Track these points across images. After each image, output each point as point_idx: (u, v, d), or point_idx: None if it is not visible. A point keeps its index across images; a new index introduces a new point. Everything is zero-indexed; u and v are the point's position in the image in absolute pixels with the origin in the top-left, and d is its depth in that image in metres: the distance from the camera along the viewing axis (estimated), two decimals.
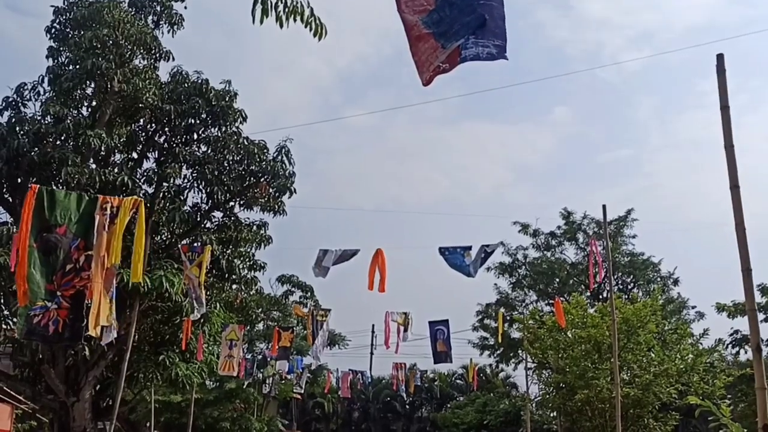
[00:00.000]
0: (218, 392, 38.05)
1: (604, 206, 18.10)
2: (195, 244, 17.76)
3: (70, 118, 18.30)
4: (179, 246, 18.27)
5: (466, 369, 54.89)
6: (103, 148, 19.55)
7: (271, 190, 19.99)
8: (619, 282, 37.69)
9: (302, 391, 35.78)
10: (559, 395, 23.41)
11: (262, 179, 20.03)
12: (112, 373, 19.58)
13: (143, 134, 20.34)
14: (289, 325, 23.44)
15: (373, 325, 58.15)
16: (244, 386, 31.21)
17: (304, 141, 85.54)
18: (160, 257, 19.03)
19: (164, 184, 18.94)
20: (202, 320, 19.70)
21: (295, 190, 20.29)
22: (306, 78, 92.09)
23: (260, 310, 26.98)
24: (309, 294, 31.45)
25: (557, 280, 37.08)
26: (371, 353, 57.06)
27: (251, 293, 25.26)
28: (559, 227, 39.57)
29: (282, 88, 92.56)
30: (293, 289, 31.49)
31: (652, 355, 22.53)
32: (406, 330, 19.54)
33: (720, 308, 29.91)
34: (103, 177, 17.93)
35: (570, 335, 23.15)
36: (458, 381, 56.69)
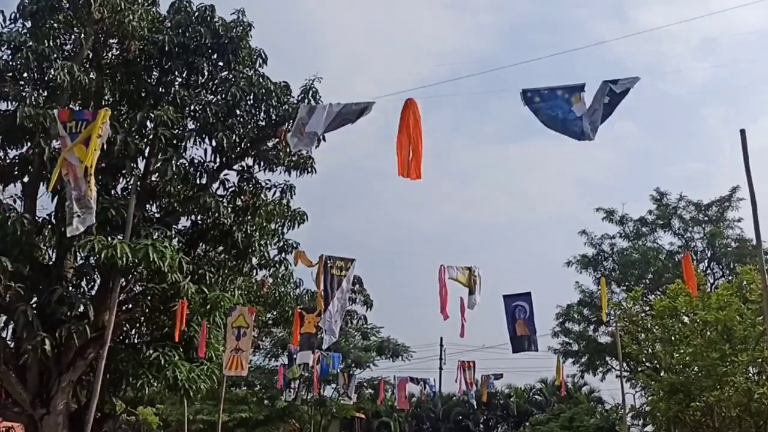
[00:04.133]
0: (269, 411, 34.09)
1: (742, 131, 12.87)
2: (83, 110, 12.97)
3: (30, 45, 14.23)
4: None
5: (545, 383, 50.00)
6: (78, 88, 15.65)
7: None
8: (726, 271, 32.12)
9: (351, 402, 31.06)
10: (674, 401, 18.15)
11: (284, 126, 15.65)
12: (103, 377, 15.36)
13: (132, 77, 16.13)
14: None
15: (441, 338, 53.67)
16: (281, 396, 26.66)
17: (360, 164, 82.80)
18: (155, 227, 14.77)
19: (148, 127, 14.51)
20: (208, 306, 15.32)
21: (324, 137, 15.84)
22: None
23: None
24: (358, 287, 26.89)
25: (652, 270, 31.57)
26: (440, 368, 52.43)
27: (285, 283, 20.80)
28: (650, 212, 34.15)
29: None
30: None
31: None
32: (472, 293, 14.62)
33: None
34: None
35: (688, 321, 17.97)
36: (536, 396, 51.49)
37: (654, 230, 33.77)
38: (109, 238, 13.29)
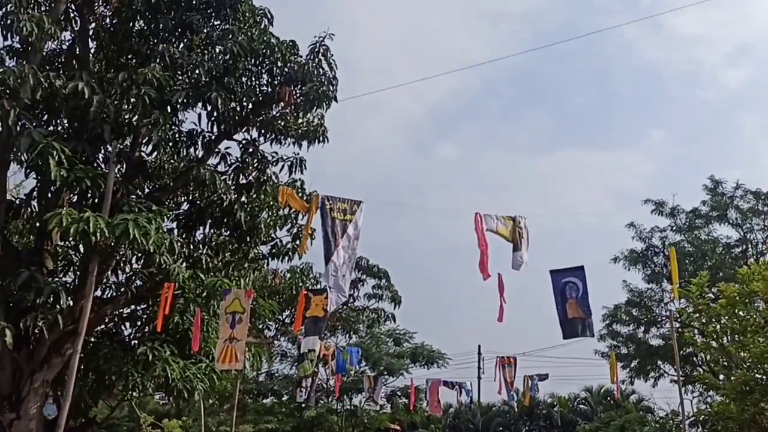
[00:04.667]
0: (296, 422, 32.00)
1: None
2: None
3: None
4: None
5: (590, 391, 47.20)
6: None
7: (299, 99, 13.50)
8: None
9: (377, 408, 28.73)
10: (749, 401, 15.65)
11: (290, 87, 13.57)
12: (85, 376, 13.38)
13: (118, 36, 14.21)
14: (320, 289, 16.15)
15: (479, 346, 51.34)
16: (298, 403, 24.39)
17: (395, 178, 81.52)
18: (142, 202, 12.73)
19: (133, 89, 12.43)
20: (204, 293, 13.25)
21: (336, 98, 13.78)
22: (396, 115, 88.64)
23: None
24: (384, 282, 24.67)
25: (708, 264, 28.78)
26: (479, 377, 50.09)
27: (304, 277, 18.73)
28: (704, 202, 31.38)
29: (372, 126, 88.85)
30: (363, 276, 24.80)
31: None
32: (517, 249, 11.53)
33: None
34: (41, 79, 11.87)
35: (762, 308, 15.48)
36: (581, 405, 48.69)
37: (709, 222, 31.03)
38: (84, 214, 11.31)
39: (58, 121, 13.09)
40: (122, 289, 13.41)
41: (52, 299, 11.88)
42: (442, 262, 76.91)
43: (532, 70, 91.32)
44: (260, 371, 34.38)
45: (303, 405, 28.07)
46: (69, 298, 12.14)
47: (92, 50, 14.36)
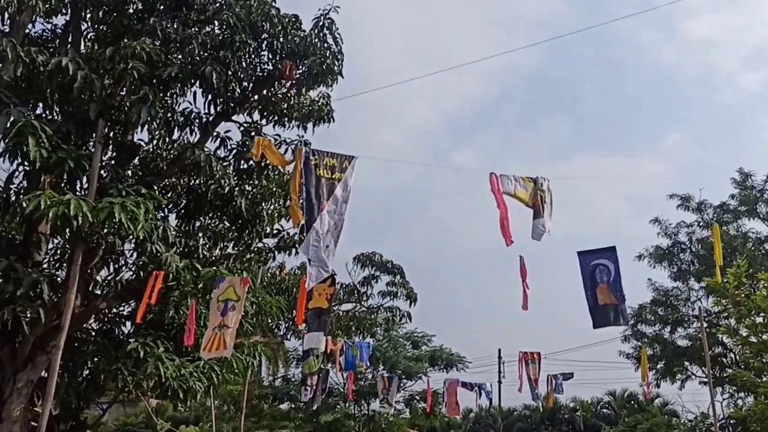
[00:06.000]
0: (312, 427, 31.00)
1: None
2: None
3: None
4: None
5: (613, 395, 45.86)
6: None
7: (301, 76, 12.52)
8: None
9: (393, 411, 27.64)
10: None
11: (291, 62, 12.58)
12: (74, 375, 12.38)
13: (113, 13, 13.30)
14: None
15: (499, 350, 50.13)
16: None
17: (414, 186, 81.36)
18: (130, 186, 11.76)
19: (121, 64, 11.49)
20: (200, 285, 12.20)
21: (341, 74, 12.78)
22: (414, 123, 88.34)
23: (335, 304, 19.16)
24: (399, 279, 23.53)
25: (738, 259, 27.48)
26: (499, 381, 48.85)
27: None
28: (732, 197, 30.11)
29: (390, 135, 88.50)
30: (377, 272, 23.71)
31: None
32: (538, 216, 10.03)
33: None
34: (21, 54, 10.98)
35: None
36: (604, 410, 47.38)
37: (738, 217, 29.73)
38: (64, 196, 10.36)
39: (45, 102, 12.16)
40: (111, 282, 12.43)
41: (35, 292, 10.93)
42: (460, 268, 76.52)
43: (548, 76, 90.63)
44: (276, 375, 33.60)
45: (315, 408, 27.03)
46: (58, 292, 11.21)
47: (85, 33, 13.49)
